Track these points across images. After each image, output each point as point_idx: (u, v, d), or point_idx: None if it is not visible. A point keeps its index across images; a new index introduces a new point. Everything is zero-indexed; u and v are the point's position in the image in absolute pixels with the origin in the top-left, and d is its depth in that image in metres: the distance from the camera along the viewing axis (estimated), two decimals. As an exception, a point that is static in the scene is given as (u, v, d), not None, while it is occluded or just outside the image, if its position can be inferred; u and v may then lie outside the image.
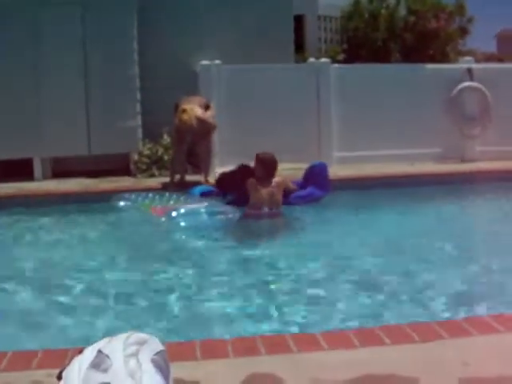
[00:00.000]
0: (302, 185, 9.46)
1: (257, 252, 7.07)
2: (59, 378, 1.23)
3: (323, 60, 13.30)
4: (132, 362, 1.18)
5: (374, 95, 12.52)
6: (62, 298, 5.44)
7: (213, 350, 3.82)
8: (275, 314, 4.95)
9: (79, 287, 5.75)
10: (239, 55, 12.29)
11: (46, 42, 11.43)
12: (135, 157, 11.64)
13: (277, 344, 3.88)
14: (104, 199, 9.08)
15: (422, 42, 19.28)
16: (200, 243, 7.81)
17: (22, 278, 6.11)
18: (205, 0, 12.72)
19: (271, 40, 12.75)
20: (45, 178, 11.50)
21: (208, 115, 10.15)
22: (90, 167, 11.73)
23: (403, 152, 12.33)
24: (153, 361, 1.20)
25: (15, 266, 6.64)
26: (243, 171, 9.09)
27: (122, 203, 8.96)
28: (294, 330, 4.53)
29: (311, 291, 5.54)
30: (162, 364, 1.21)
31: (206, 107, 10.22)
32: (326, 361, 3.64)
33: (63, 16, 11.50)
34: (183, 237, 8.33)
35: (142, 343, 1.22)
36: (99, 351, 1.20)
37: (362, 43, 19.53)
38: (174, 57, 12.38)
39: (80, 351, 1.25)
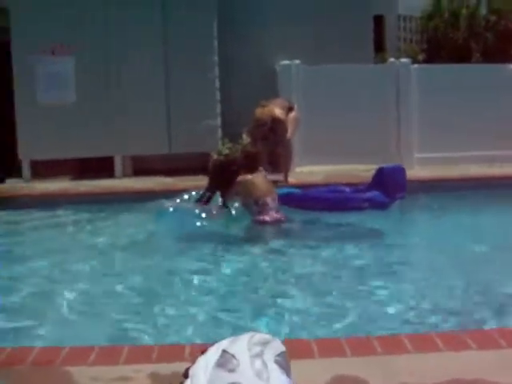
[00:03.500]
0: (366, 189, 8.55)
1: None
2: (185, 376, 1.27)
3: (403, 60, 13.19)
4: (258, 363, 1.20)
5: (455, 95, 12.36)
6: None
7: (297, 350, 3.83)
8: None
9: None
10: (319, 55, 12.31)
11: (128, 42, 11.66)
12: (215, 156, 11.73)
13: (362, 345, 3.88)
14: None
15: (504, 42, 18.90)
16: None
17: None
18: (285, 0, 12.77)
19: (351, 40, 12.74)
20: (125, 175, 11.72)
21: (289, 117, 10.10)
22: (170, 166, 11.89)
23: (486, 153, 12.14)
24: (276, 361, 1.22)
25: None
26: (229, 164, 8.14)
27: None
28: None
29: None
30: (284, 364, 1.24)
31: (289, 109, 10.19)
32: (412, 364, 3.62)
33: (144, 17, 11.70)
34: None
35: (265, 344, 1.24)
36: (224, 351, 1.23)
37: (442, 43, 19.24)
38: (253, 56, 12.48)
39: (203, 351, 1.28)
